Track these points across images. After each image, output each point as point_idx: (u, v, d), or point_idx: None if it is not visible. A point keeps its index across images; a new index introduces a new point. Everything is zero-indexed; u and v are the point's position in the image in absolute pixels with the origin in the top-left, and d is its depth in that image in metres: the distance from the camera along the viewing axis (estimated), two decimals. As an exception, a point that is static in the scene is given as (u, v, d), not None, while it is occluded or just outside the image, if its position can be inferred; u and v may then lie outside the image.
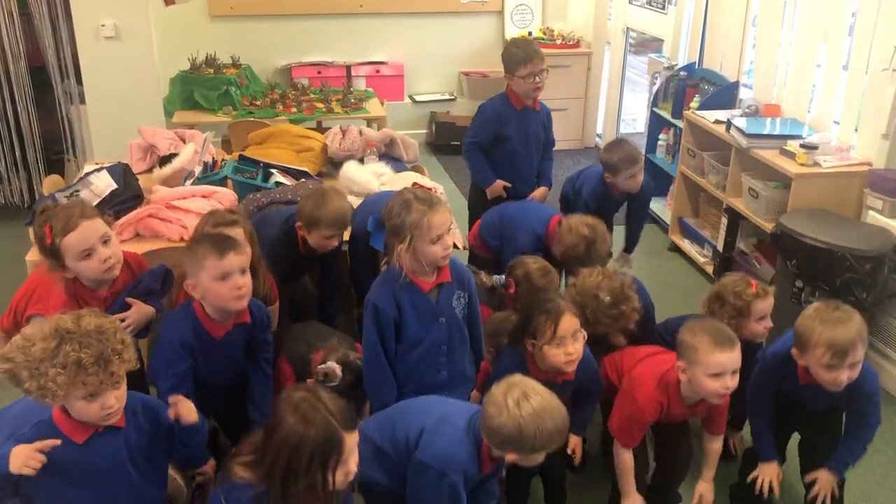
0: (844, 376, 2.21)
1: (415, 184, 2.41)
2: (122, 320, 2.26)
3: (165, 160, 3.64)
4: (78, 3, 4.57)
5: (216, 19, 5.88)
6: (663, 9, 5.25)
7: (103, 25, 4.66)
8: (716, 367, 2.22)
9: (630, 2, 5.72)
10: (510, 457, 1.94)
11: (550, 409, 1.90)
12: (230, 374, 2.42)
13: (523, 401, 1.89)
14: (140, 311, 2.36)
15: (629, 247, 3.83)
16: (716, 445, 2.51)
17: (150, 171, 3.80)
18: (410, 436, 2.02)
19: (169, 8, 5.25)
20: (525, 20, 6.46)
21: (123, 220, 3.00)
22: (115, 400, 1.74)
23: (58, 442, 1.73)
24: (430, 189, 2.45)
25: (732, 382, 2.24)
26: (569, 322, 2.27)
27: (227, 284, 2.19)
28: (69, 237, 2.19)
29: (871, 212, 3.41)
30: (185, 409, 1.95)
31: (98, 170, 3.28)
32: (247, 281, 2.24)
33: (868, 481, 2.85)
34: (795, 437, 2.64)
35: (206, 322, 2.28)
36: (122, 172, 3.36)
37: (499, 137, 3.64)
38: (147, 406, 1.93)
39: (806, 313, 2.28)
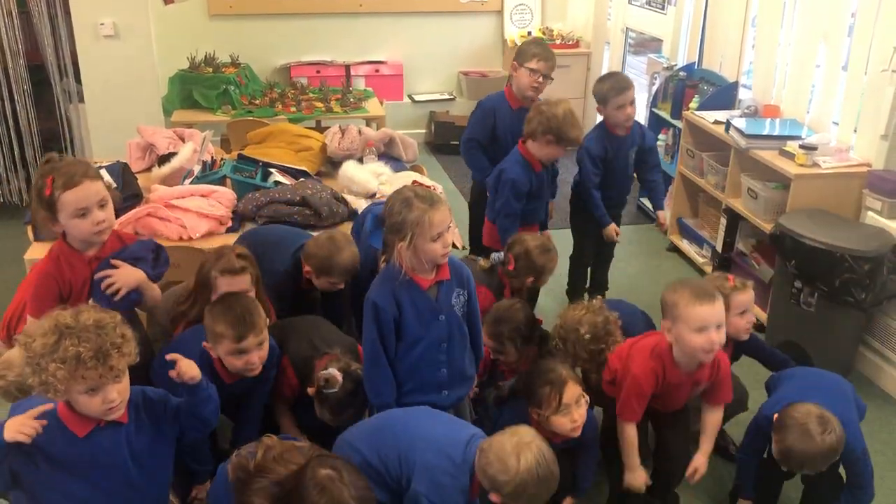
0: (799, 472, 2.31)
1: (415, 182, 2.40)
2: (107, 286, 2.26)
3: (164, 159, 3.64)
4: (77, 1, 4.56)
5: (215, 18, 5.87)
6: (663, 9, 5.25)
7: (102, 24, 4.65)
8: (698, 321, 2.20)
9: (629, 2, 5.72)
10: (496, 499, 1.97)
11: (552, 477, 1.94)
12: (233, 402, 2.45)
13: (533, 464, 1.91)
14: (126, 272, 2.31)
15: (657, 202, 3.78)
16: (715, 417, 2.48)
17: (148, 170, 3.80)
18: (404, 463, 2.02)
19: (168, 7, 5.24)
20: (524, 20, 6.46)
21: (122, 218, 2.99)
22: (118, 394, 1.74)
23: (50, 406, 1.74)
24: (429, 187, 2.45)
25: (718, 337, 2.22)
26: (572, 390, 2.29)
27: (242, 359, 2.26)
28: (68, 193, 2.17)
29: (869, 212, 3.41)
30: (186, 366, 1.91)
31: (97, 169, 3.27)
32: (263, 355, 2.29)
33: (866, 482, 2.85)
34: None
35: (219, 369, 2.32)
36: (120, 171, 3.35)
37: (493, 135, 3.64)
38: (147, 399, 1.91)
39: (794, 409, 2.27)
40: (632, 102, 3.45)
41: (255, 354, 2.26)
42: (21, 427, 1.70)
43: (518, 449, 1.92)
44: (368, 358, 2.30)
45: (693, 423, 2.57)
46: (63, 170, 2.21)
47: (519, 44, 6.12)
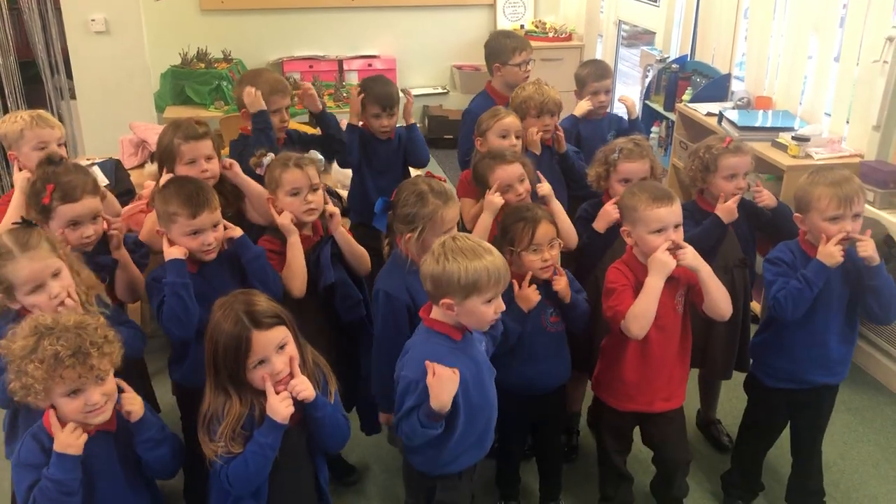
0: (849, 226, 2.22)
1: (427, 173, 2.41)
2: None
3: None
4: (67, -3, 4.55)
5: (207, 13, 5.85)
6: (655, 1, 5.25)
7: (93, 20, 4.63)
8: (656, 223, 2.21)
9: (622, -6, 5.72)
10: (447, 304, 1.89)
11: (482, 252, 1.90)
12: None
13: (450, 241, 1.92)
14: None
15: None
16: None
17: (141, 166, 3.80)
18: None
19: (159, 2, 5.23)
20: (517, 13, 6.45)
21: (115, 215, 2.99)
22: (100, 397, 1.71)
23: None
24: (443, 179, 2.45)
25: (676, 236, 2.23)
26: (545, 230, 2.29)
27: (197, 240, 2.19)
28: (67, 207, 2.19)
29: (862, 203, 3.42)
30: (127, 400, 1.82)
31: (89, 165, 3.26)
32: (217, 236, 2.22)
33: (860, 470, 2.87)
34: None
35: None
36: (113, 168, 3.36)
37: None
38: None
39: (802, 179, 2.30)
40: (607, 91, 3.44)
41: (211, 234, 2.20)
42: (75, 440, 1.71)
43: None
44: (381, 353, 2.23)
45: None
46: (65, 181, 2.20)
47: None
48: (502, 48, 3.51)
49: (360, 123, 3.08)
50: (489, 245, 1.95)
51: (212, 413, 1.83)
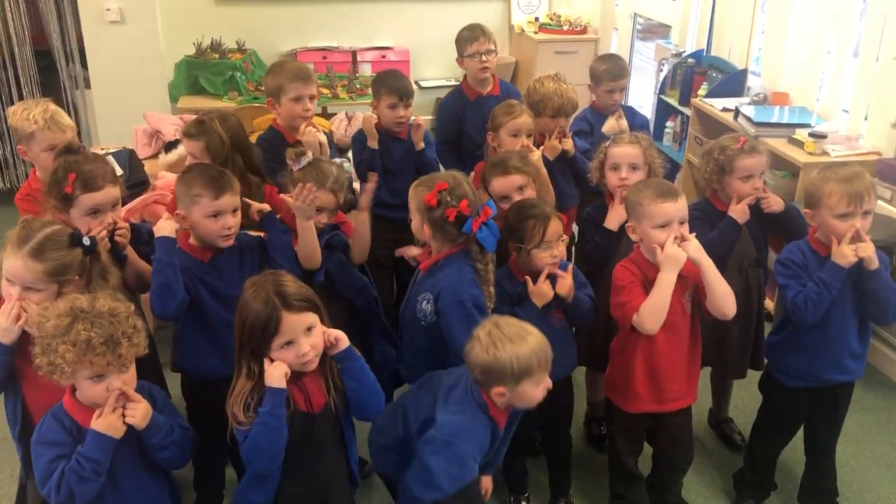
0: (858, 224, 2.21)
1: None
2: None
3: (171, 146, 3.65)
4: (83, -14, 4.56)
5: (221, 3, 5.84)
6: (671, -5, 5.21)
7: (108, 9, 4.65)
8: (661, 217, 2.21)
9: (638, -13, 5.67)
10: (499, 393, 1.93)
11: (526, 334, 1.93)
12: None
13: (495, 329, 1.93)
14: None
15: None
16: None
17: (155, 156, 3.81)
18: (425, 420, 2.04)
19: (174, -8, 5.23)
20: (532, 5, 6.41)
21: (129, 206, 2.97)
22: (122, 384, 1.75)
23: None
24: None
25: (682, 231, 2.22)
26: (555, 226, 2.32)
27: (217, 223, 2.21)
28: (88, 196, 2.22)
29: (879, 201, 3.39)
30: (130, 409, 1.79)
31: (104, 155, 3.27)
32: (237, 220, 2.26)
33: (873, 471, 2.85)
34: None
35: (187, 248, 2.26)
36: (127, 158, 3.37)
37: (461, 132, 3.47)
38: (151, 395, 1.91)
39: (813, 175, 2.30)
40: (621, 90, 3.43)
41: (231, 218, 2.23)
42: (116, 423, 1.76)
43: (484, 325, 1.97)
44: None
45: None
46: (86, 171, 2.23)
47: (525, 30, 6.14)
48: (459, 40, 3.47)
49: (375, 120, 3.07)
50: (529, 326, 1.97)
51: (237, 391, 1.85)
